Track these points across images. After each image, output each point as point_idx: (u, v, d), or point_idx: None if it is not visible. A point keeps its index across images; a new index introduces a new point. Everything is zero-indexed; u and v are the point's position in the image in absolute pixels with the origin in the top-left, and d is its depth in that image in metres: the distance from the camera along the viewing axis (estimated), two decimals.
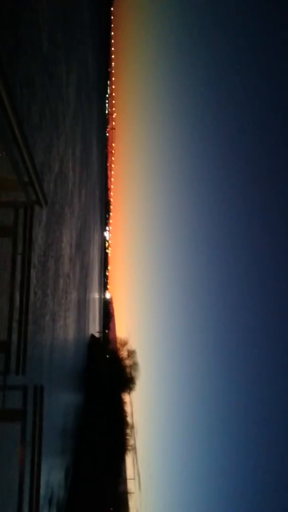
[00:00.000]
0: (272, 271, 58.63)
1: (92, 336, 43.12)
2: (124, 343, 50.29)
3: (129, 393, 51.46)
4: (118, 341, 53.97)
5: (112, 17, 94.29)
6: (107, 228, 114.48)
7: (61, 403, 18.73)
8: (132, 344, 51.91)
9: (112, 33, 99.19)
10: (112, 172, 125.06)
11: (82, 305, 29.58)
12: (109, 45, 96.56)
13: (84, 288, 30.89)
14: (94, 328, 54.28)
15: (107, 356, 45.59)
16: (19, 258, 5.04)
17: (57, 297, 15.12)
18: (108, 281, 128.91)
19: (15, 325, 4.93)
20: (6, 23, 7.50)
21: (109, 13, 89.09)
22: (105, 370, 38.05)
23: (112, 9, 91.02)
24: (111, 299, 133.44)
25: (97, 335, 51.88)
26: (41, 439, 5.32)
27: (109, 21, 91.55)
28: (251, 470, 61.15)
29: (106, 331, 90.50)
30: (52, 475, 15.66)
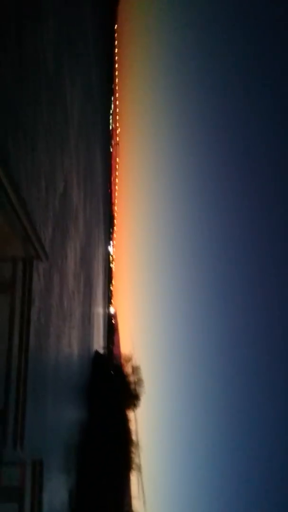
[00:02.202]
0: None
1: (97, 352, 42.80)
2: (129, 359, 49.78)
3: (134, 410, 50.79)
4: (122, 356, 53.49)
5: (116, 34, 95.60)
6: (111, 242, 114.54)
7: (64, 421, 18.48)
8: (137, 360, 51.44)
9: (116, 50, 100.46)
10: (117, 187, 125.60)
11: (87, 321, 29.41)
12: (113, 61, 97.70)
13: (88, 304, 30.74)
14: (99, 343, 53.92)
15: (112, 373, 45.10)
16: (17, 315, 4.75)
17: (62, 315, 15.01)
18: (113, 295, 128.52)
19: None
20: (11, 43, 7.51)
21: (113, 30, 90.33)
22: (109, 387, 37.65)
23: (116, 26, 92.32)
24: (115, 313, 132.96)
25: (101, 350, 51.50)
26: None
27: (113, 38, 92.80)
28: (265, 491, 59.90)
29: (111, 346, 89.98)
30: (55, 501, 15.35)
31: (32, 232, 4.51)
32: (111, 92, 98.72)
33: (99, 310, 58.22)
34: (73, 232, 18.49)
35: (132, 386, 46.60)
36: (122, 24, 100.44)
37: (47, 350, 12.03)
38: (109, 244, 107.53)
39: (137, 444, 50.42)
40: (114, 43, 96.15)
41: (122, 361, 51.33)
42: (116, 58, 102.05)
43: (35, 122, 9.72)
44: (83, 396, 28.57)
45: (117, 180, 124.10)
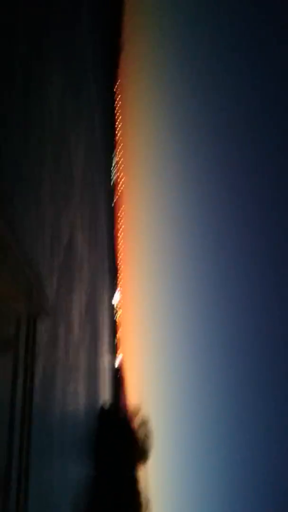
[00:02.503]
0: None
1: (103, 405, 41.69)
2: (137, 412, 48.35)
3: (142, 466, 48.72)
4: (130, 409, 52.05)
5: (117, 89, 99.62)
6: (116, 290, 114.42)
7: (71, 482, 17.70)
8: (146, 412, 49.92)
9: (118, 104, 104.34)
10: (120, 236, 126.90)
11: (93, 373, 28.84)
12: (114, 113, 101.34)
13: (94, 355, 30.26)
14: (105, 395, 52.68)
15: (119, 427, 43.68)
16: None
17: (67, 368, 14.71)
18: (119, 345, 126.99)
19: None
20: (18, 101, 7.75)
21: (115, 85, 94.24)
22: (116, 442, 36.37)
23: (118, 81, 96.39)
24: (121, 363, 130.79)
25: (108, 403, 50.20)
26: None
27: (115, 92, 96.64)
28: None
29: (118, 398, 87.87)
30: None
31: (37, 288, 4.42)
32: (114, 145, 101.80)
33: (106, 361, 57.28)
34: (78, 282, 18.47)
35: (141, 441, 45.00)
36: (124, 79, 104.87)
37: (53, 406, 11.70)
38: (115, 293, 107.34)
39: (147, 502, 48.08)
40: (116, 97, 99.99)
41: (130, 414, 49.85)
42: (118, 112, 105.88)
43: (40, 176, 9.90)
44: (90, 452, 27.57)
45: (121, 230, 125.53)
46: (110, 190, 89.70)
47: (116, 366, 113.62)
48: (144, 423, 46.40)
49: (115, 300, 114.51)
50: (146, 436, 45.95)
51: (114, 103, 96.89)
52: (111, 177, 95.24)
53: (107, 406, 47.59)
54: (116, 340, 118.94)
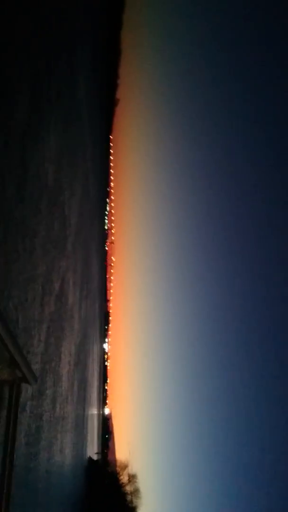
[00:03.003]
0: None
1: (90, 459, 40.31)
2: (125, 466, 46.71)
3: None
4: (118, 463, 50.26)
5: (111, 141, 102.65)
6: (106, 339, 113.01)
7: None
8: (134, 467, 48.24)
9: (111, 156, 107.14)
10: (112, 284, 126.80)
11: (80, 425, 28.13)
12: (108, 165, 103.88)
13: (82, 405, 29.62)
14: (92, 449, 50.95)
15: (106, 482, 42.03)
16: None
17: (54, 420, 14.45)
18: (108, 395, 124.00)
19: None
20: (15, 162, 8.16)
21: (108, 137, 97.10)
22: (104, 498, 34.92)
23: (111, 135, 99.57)
24: (110, 414, 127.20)
25: (95, 457, 48.55)
26: None
27: (108, 144, 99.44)
28: None
29: (105, 451, 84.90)
30: None
31: (20, 358, 4.54)
32: (107, 194, 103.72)
33: (94, 412, 55.83)
34: (68, 331, 18.43)
35: (129, 497, 43.21)
36: (119, 131, 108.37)
37: (37, 463, 11.44)
38: (105, 342, 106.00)
39: None
40: (109, 148, 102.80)
41: (118, 468, 48.07)
42: (111, 162, 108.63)
43: (35, 226, 10.20)
44: (77, 509, 26.45)
45: (112, 277, 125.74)
46: (103, 238, 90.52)
47: (105, 416, 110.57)
48: (132, 479, 44.78)
49: (106, 348, 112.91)
50: (134, 492, 44.23)
51: (108, 154, 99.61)
52: (104, 225, 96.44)
53: (95, 457, 45.99)
54: (106, 389, 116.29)
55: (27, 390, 9.85)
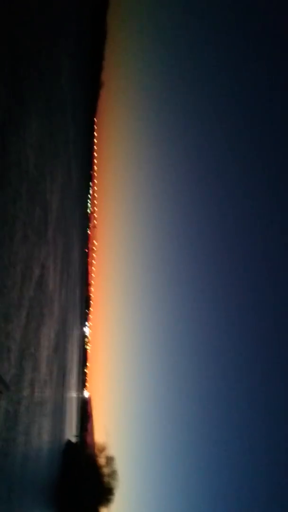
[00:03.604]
0: None
1: (68, 441, 40.73)
2: (103, 449, 47.27)
3: (107, 506, 47.26)
4: (96, 446, 50.86)
5: (95, 126, 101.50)
6: (87, 323, 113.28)
7: None
8: (111, 449, 48.85)
9: (96, 138, 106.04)
10: (93, 268, 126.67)
11: (59, 409, 28.34)
12: (91, 149, 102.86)
13: (61, 390, 29.81)
14: (71, 431, 51.43)
15: (84, 464, 42.51)
16: None
17: (32, 405, 14.55)
18: (87, 378, 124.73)
19: None
20: None
21: (93, 121, 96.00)
22: (81, 481, 35.39)
23: (96, 119, 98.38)
24: (89, 398, 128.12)
25: (73, 439, 49.01)
26: None
27: (93, 128, 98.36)
28: None
29: (84, 434, 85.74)
30: None
31: None
32: (91, 178, 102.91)
33: (73, 395, 56.23)
34: (48, 317, 18.44)
35: (106, 479, 43.86)
36: (102, 114, 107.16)
37: (13, 449, 11.54)
38: (85, 326, 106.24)
39: None
40: (94, 131, 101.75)
41: (96, 451, 48.65)
42: (96, 146, 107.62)
43: (14, 216, 10.14)
44: (53, 492, 26.80)
45: (94, 261, 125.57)
46: (86, 223, 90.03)
47: (84, 399, 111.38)
48: (109, 461, 45.38)
49: (87, 332, 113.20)
50: (112, 474, 44.86)
51: (93, 137, 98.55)
52: (87, 209, 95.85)
53: (73, 440, 46.44)
54: (85, 373, 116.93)
55: (6, 374, 9.89)
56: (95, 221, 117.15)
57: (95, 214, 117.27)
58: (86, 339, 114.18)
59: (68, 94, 23.74)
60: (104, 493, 43.62)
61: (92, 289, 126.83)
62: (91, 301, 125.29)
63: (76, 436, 55.21)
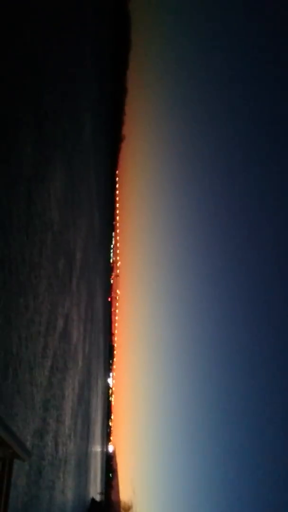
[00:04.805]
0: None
1: (93, 500, 39.12)
2: (128, 508, 45.28)
3: None
4: (121, 504, 48.84)
5: (117, 178, 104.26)
6: (110, 374, 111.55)
7: None
8: (138, 508, 46.76)
9: (117, 189, 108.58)
10: (117, 317, 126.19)
11: (83, 464, 27.47)
12: (114, 199, 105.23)
13: (85, 445, 28.99)
14: (95, 488, 49.52)
15: None
16: None
17: (56, 462, 14.15)
18: (112, 431, 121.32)
19: None
20: (21, 207, 8.34)
21: (114, 173, 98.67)
22: None
23: (117, 172, 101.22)
24: (114, 452, 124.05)
25: (98, 497, 47.12)
26: None
27: (114, 180, 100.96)
28: None
29: (109, 491, 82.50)
30: None
31: (10, 439, 4.44)
32: (113, 228, 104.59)
33: (97, 449, 54.58)
34: (71, 369, 18.26)
35: None
36: (123, 167, 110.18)
37: (39, 502, 11.16)
38: (109, 376, 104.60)
39: None
40: (115, 183, 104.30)
41: (122, 509, 46.53)
42: (117, 197, 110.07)
43: (39, 269, 10.29)
44: None
45: (117, 310, 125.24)
46: (108, 272, 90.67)
47: (109, 454, 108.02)
48: None
49: (110, 383, 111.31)
50: None
51: (114, 189, 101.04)
52: (110, 259, 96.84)
53: (98, 498, 44.61)
54: (109, 425, 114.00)
55: (28, 431, 9.71)
56: (117, 270, 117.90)
57: (117, 263, 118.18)
58: (110, 390, 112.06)
59: (90, 149, 24.59)
60: None
61: (115, 338, 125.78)
62: (114, 351, 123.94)
63: (101, 493, 53.06)
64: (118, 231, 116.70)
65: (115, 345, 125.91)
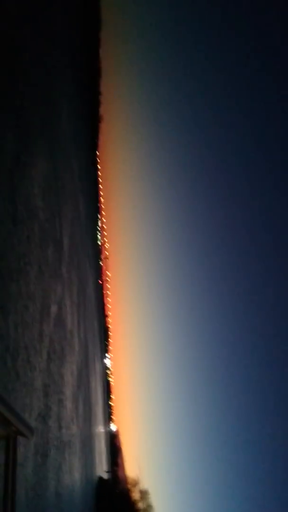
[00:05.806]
0: None
1: (100, 478, 39.98)
2: (135, 483, 46.29)
3: None
4: (128, 480, 49.87)
5: (98, 159, 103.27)
6: (107, 355, 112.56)
7: None
8: (145, 483, 47.81)
9: (99, 170, 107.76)
10: (109, 299, 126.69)
11: (88, 446, 27.97)
12: (97, 182, 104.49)
13: (89, 426, 29.47)
14: (101, 467, 50.50)
15: (118, 500, 41.54)
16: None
17: (61, 446, 14.43)
18: (113, 411, 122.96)
19: None
20: (4, 193, 8.33)
21: (95, 154, 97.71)
22: None
23: (98, 152, 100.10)
24: (117, 431, 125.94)
25: (105, 475, 48.13)
26: None
27: (96, 161, 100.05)
28: None
29: (115, 469, 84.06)
30: None
31: (12, 417, 4.50)
32: (98, 210, 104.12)
33: (100, 430, 55.44)
34: (68, 354, 18.44)
35: None
36: (103, 147, 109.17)
37: (46, 484, 11.43)
38: (106, 358, 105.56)
39: None
40: (97, 164, 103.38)
41: (129, 485, 47.54)
42: (100, 178, 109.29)
43: (29, 255, 10.32)
44: None
45: (109, 292, 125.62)
46: (97, 255, 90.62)
47: (112, 433, 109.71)
48: (144, 495, 44.34)
49: (108, 364, 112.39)
50: (147, 508, 43.75)
51: (96, 170, 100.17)
52: (98, 241, 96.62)
53: (105, 476, 45.57)
54: (111, 405, 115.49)
55: (31, 416, 9.88)
56: (106, 252, 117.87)
57: (106, 245, 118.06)
58: (108, 371, 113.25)
59: (69, 133, 24.35)
60: None
61: (109, 320, 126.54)
62: (110, 332, 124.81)
63: (108, 471, 54.10)
64: (104, 213, 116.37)
65: (110, 326, 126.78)
